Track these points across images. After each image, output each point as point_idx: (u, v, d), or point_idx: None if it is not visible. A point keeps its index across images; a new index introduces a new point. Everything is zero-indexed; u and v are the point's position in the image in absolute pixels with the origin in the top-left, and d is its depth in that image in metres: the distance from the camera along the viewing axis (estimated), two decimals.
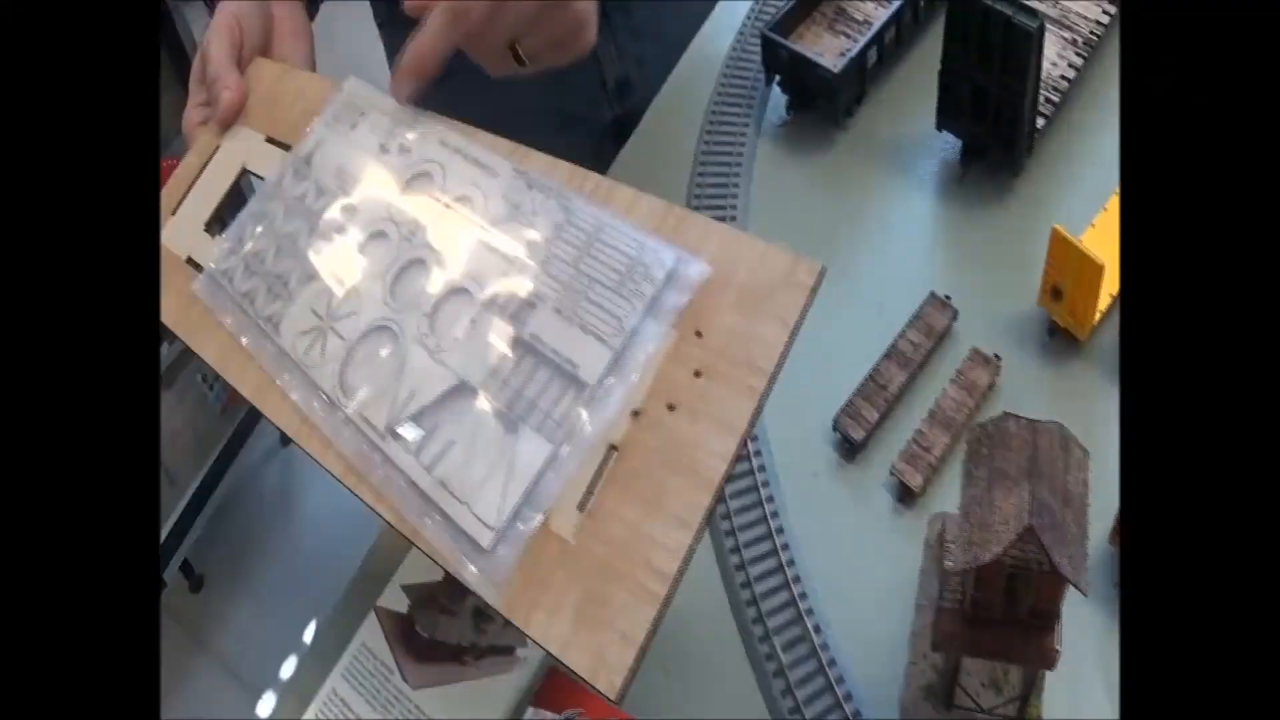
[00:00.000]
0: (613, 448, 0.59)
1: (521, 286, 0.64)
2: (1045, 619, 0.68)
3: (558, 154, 1.36)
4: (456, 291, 0.66)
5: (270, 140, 0.81)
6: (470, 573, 0.59)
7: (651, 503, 0.56)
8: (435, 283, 0.67)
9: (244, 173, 0.81)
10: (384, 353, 0.66)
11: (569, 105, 1.32)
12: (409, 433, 0.63)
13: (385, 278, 0.69)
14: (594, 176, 0.67)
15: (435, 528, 0.61)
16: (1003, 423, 0.68)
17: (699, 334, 0.59)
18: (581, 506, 0.58)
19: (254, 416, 2.13)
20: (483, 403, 0.62)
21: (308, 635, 2.10)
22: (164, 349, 1.88)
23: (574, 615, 0.56)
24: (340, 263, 0.71)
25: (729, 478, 0.56)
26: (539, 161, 0.69)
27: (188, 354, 1.59)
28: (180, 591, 2.15)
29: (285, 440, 2.29)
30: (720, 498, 0.56)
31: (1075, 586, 0.64)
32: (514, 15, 0.77)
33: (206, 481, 2.07)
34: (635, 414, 0.59)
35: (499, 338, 0.63)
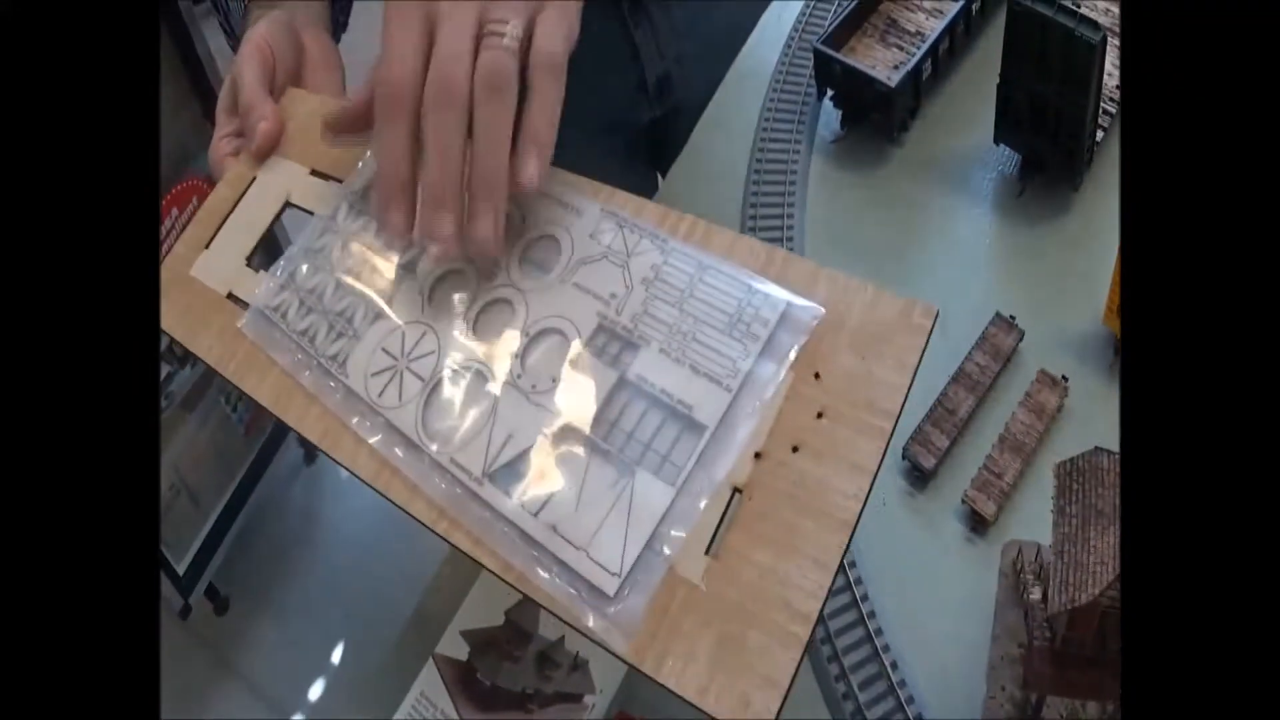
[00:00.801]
0: (737, 490, 0.58)
1: (620, 327, 0.62)
2: None
3: (596, 156, 1.34)
4: (547, 332, 0.64)
5: (314, 173, 0.78)
6: (594, 622, 0.57)
7: (783, 544, 0.56)
8: (521, 321, 0.65)
9: (286, 206, 0.79)
10: (471, 395, 0.64)
11: (607, 106, 1.30)
12: (509, 477, 0.61)
13: (468, 317, 0.66)
14: (688, 218, 0.65)
15: (550, 576, 0.59)
16: (1094, 457, 0.66)
17: (817, 376, 0.59)
18: (709, 550, 0.57)
19: (277, 438, 2.12)
20: (590, 446, 0.60)
21: (335, 656, 2.08)
22: (186, 372, 1.86)
23: (709, 661, 0.55)
24: (411, 301, 0.69)
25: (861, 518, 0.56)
26: (626, 202, 0.67)
27: (209, 376, 1.57)
28: (206, 614, 2.13)
29: (309, 460, 2.27)
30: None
31: None
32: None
33: (231, 504, 2.05)
34: (758, 456, 0.58)
35: (602, 380, 0.61)
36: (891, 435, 0.56)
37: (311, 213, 0.76)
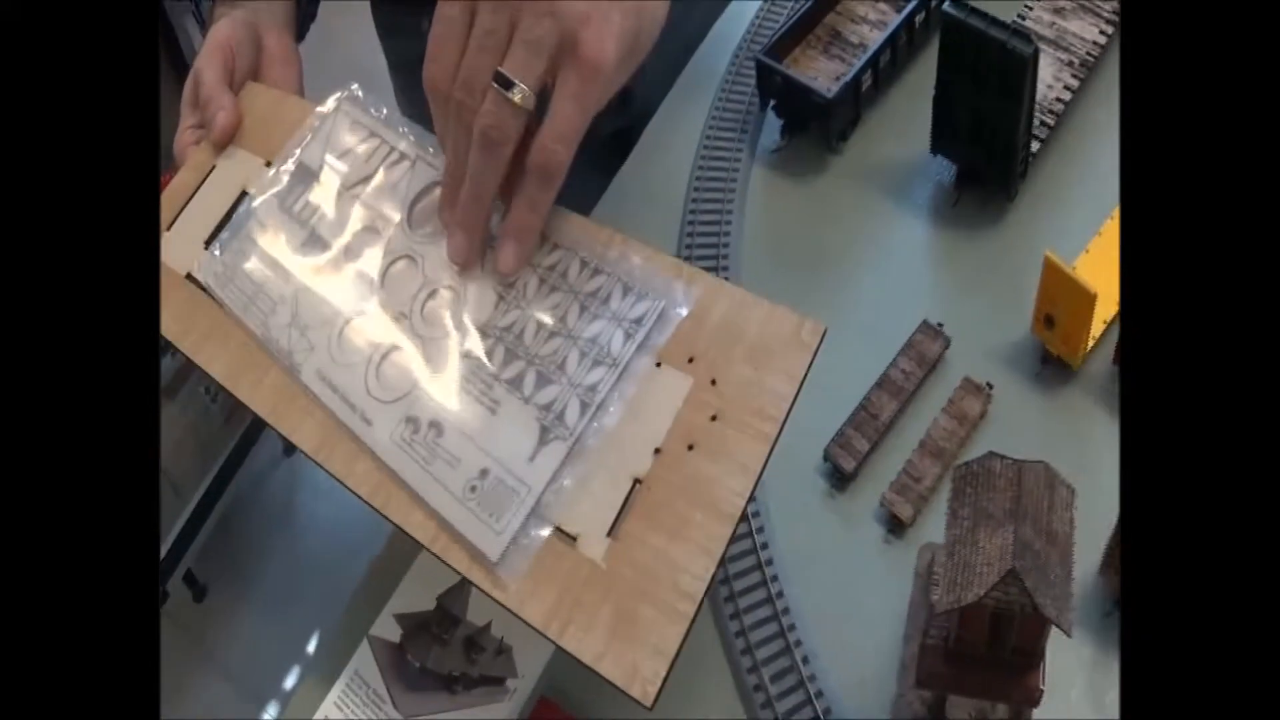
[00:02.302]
0: (637, 480, 0.64)
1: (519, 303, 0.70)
2: (1028, 658, 0.68)
3: None
4: (444, 288, 0.72)
5: (268, 164, 0.83)
6: (484, 578, 0.65)
7: (676, 532, 0.62)
8: (421, 278, 0.73)
9: (244, 194, 0.83)
10: (401, 367, 0.71)
11: None
12: (430, 445, 0.68)
13: (378, 283, 0.74)
14: (616, 235, 0.71)
15: (459, 540, 0.66)
16: (988, 462, 0.68)
17: (714, 383, 0.65)
18: (610, 533, 0.64)
19: (256, 428, 2.14)
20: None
21: (310, 646, 2.11)
22: (167, 360, 1.89)
23: (606, 631, 0.62)
24: (343, 279, 0.76)
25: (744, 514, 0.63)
26: (564, 220, 0.73)
27: (190, 365, 1.59)
28: (184, 601, 2.15)
29: (288, 450, 2.30)
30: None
31: (1059, 627, 0.64)
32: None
33: (210, 491, 2.07)
34: (658, 452, 0.65)
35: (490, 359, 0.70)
36: (776, 439, 0.62)
37: None
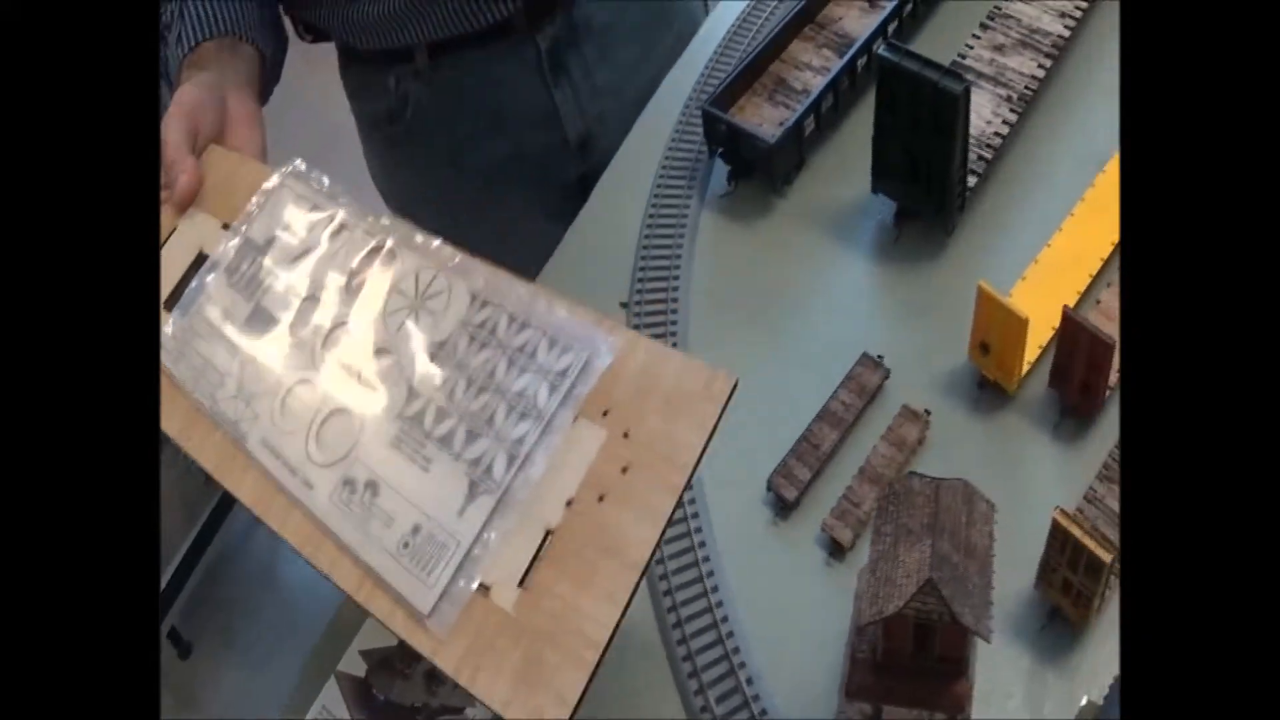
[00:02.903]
0: (549, 532, 0.66)
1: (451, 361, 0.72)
2: (954, 666, 0.71)
3: (522, 210, 1.41)
4: (383, 351, 0.75)
5: (226, 226, 0.86)
6: (415, 637, 0.67)
7: (583, 581, 0.64)
8: (383, 366, 0.75)
9: (201, 256, 0.86)
10: (339, 430, 0.74)
11: (531, 162, 1.36)
12: (365, 507, 0.70)
13: (319, 350, 0.77)
14: (541, 290, 0.73)
15: (387, 595, 0.68)
16: (909, 481, 0.71)
17: (626, 435, 0.66)
18: (521, 583, 0.65)
19: None
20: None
21: None
22: None
23: (514, 677, 0.63)
24: (287, 348, 0.78)
25: (654, 559, 0.66)
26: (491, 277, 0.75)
27: None
28: (169, 658, 2.16)
29: None
30: (646, 576, 0.63)
31: (977, 634, 0.67)
32: None
33: (194, 547, 2.08)
34: (569, 503, 0.66)
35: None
36: (684, 489, 0.64)
37: None
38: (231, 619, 2.24)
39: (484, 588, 0.66)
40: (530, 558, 0.65)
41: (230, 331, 0.80)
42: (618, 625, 0.62)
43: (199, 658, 2.19)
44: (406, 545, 0.68)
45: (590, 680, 0.61)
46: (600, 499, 0.65)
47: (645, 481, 0.65)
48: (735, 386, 0.65)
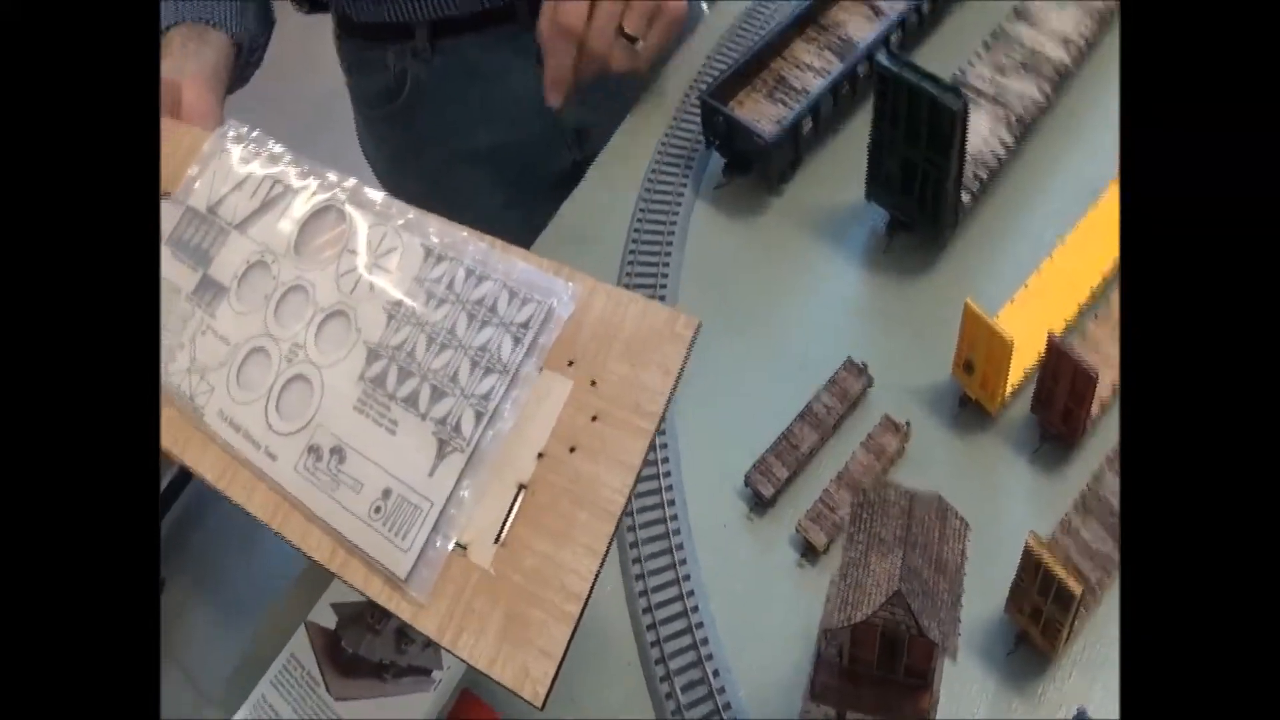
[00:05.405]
0: (522, 486, 0.66)
1: (403, 327, 0.71)
2: (919, 678, 0.72)
3: (516, 195, 1.41)
4: (335, 315, 0.73)
5: (167, 194, 0.84)
6: (380, 592, 0.67)
7: (560, 534, 0.64)
8: (337, 328, 0.73)
9: None
10: (299, 397, 0.72)
11: (527, 148, 1.36)
12: (328, 471, 0.69)
13: (271, 316, 0.76)
14: (497, 241, 0.72)
15: (362, 562, 0.68)
16: (884, 490, 0.72)
17: (593, 383, 0.66)
18: (497, 540, 0.65)
19: None
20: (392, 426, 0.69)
21: None
22: None
23: (497, 636, 0.63)
24: (237, 317, 0.77)
25: (627, 508, 0.65)
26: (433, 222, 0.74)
27: None
28: None
29: None
30: (619, 525, 0.64)
31: (943, 651, 0.68)
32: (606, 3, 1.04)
33: (172, 485, 2.09)
34: (540, 456, 0.66)
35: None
36: (655, 434, 0.64)
37: None
38: (206, 562, 2.26)
39: (460, 547, 0.66)
40: (505, 513, 0.66)
41: (179, 304, 0.79)
42: (596, 577, 0.63)
43: (171, 595, 2.20)
44: (378, 510, 0.67)
45: (573, 633, 0.62)
46: (571, 450, 0.66)
47: (615, 429, 0.65)
48: (698, 328, 0.65)
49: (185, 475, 2.11)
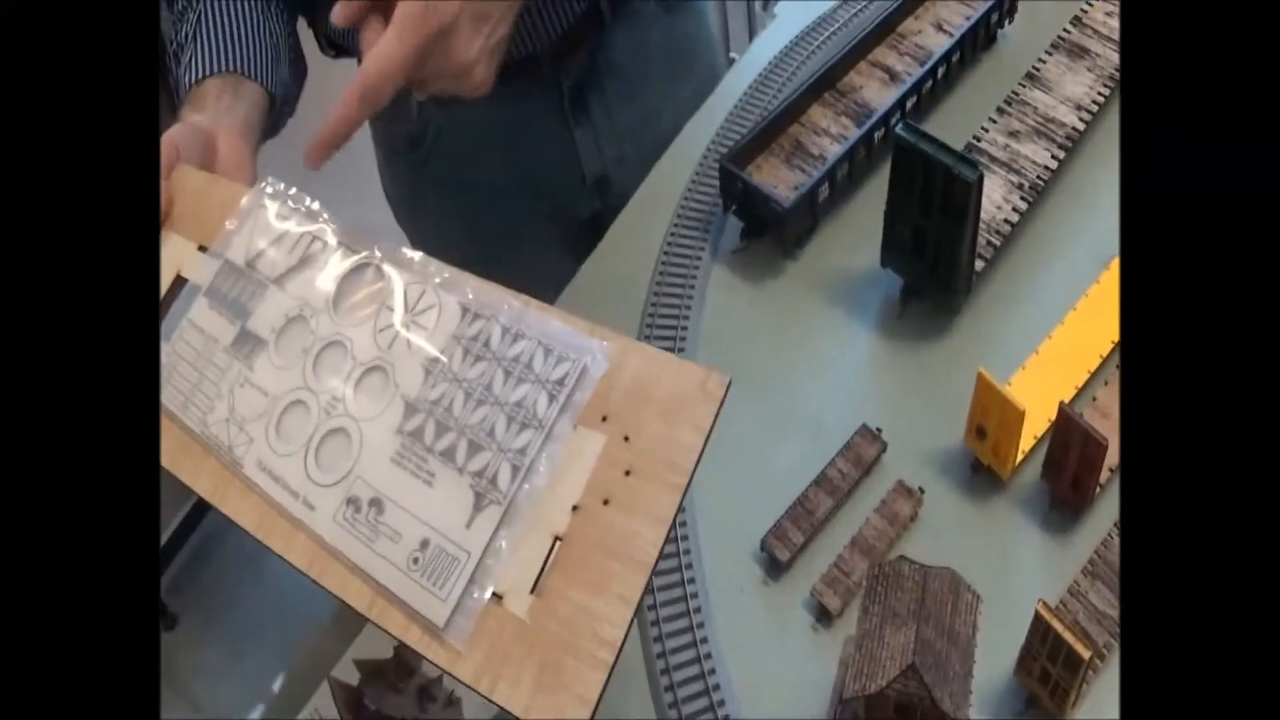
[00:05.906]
0: (557, 538, 0.67)
1: (437, 386, 0.73)
2: None
3: (537, 245, 1.43)
4: (373, 370, 0.75)
5: (202, 248, 0.86)
6: (419, 640, 0.68)
7: (594, 585, 0.65)
8: (375, 383, 0.75)
9: (179, 279, 0.86)
10: (338, 449, 0.74)
11: (546, 196, 1.38)
12: (367, 522, 0.71)
13: (310, 370, 0.77)
14: (531, 301, 0.74)
15: (400, 611, 0.69)
16: (899, 565, 0.74)
17: (626, 439, 0.68)
18: (533, 590, 0.67)
19: None
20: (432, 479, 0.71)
21: (276, 681, 2.13)
22: None
23: (533, 683, 0.65)
24: (277, 370, 0.79)
25: (659, 561, 0.66)
26: (482, 289, 0.76)
27: None
28: None
29: None
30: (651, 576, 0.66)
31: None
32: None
33: (185, 522, 2.10)
34: (575, 508, 0.68)
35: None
36: (686, 489, 0.66)
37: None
38: (217, 598, 2.27)
39: (497, 597, 0.67)
40: (541, 564, 0.67)
41: (217, 355, 0.81)
42: (630, 624, 0.64)
43: (183, 631, 2.22)
44: (416, 560, 0.69)
45: (608, 680, 0.63)
46: (605, 503, 0.67)
47: (648, 484, 0.66)
48: (729, 386, 0.67)
49: (197, 514, 2.13)
